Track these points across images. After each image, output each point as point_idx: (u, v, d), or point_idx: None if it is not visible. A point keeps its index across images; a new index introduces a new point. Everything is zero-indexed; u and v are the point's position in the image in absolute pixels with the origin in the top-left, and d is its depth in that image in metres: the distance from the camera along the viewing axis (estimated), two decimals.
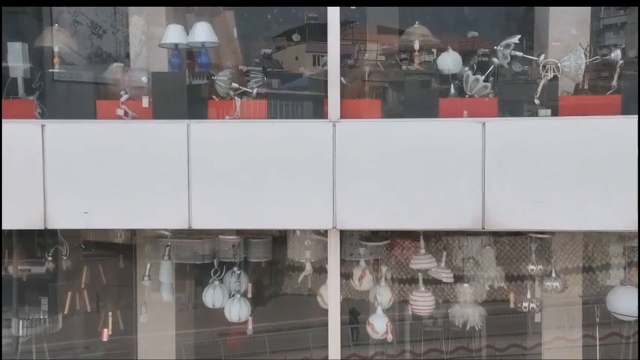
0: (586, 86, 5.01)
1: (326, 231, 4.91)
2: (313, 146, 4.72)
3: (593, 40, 5.52)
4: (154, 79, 5.08)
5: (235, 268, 5.45)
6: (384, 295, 5.42)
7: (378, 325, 5.27)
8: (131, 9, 5.84)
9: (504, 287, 5.64)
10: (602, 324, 5.76)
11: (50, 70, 5.35)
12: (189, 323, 6.29)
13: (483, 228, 4.62)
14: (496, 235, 5.57)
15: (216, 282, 5.43)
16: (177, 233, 5.42)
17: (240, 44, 6.07)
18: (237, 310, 5.36)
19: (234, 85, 5.06)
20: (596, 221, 4.65)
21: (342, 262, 5.16)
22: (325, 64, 4.85)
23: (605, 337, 5.86)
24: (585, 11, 5.50)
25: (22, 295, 5.73)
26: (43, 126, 4.79)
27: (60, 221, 4.88)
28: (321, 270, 5.60)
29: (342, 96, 4.80)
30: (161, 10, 5.67)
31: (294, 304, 6.27)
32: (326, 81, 4.79)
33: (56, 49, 5.38)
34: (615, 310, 5.22)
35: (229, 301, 5.40)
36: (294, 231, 5.57)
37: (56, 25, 5.67)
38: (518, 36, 4.92)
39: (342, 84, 4.84)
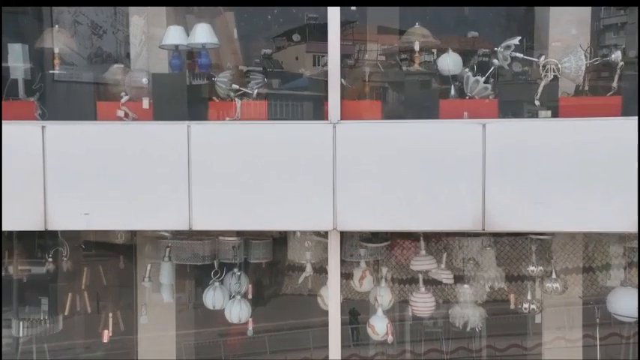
0: (586, 87, 5.01)
1: (326, 232, 4.91)
2: (313, 147, 4.71)
3: (594, 41, 5.52)
4: (155, 81, 5.07)
5: (235, 270, 5.44)
6: (384, 296, 5.41)
7: (379, 326, 5.27)
8: (131, 9, 5.83)
9: (505, 288, 5.64)
10: (602, 324, 5.76)
11: (50, 72, 5.33)
12: (190, 323, 6.29)
13: (483, 229, 4.62)
14: (496, 236, 5.56)
15: (217, 283, 5.42)
16: (178, 234, 5.41)
17: (240, 44, 6.05)
18: (238, 312, 5.35)
19: (235, 86, 5.06)
20: (597, 222, 4.65)
21: (343, 263, 5.16)
22: (325, 64, 4.83)
23: (606, 337, 5.86)
24: (585, 11, 5.50)
25: (23, 296, 5.73)
26: (43, 127, 4.79)
27: (60, 222, 4.87)
28: (321, 271, 5.60)
29: (343, 97, 4.79)
30: (161, 11, 5.66)
31: (295, 305, 6.26)
32: (326, 81, 4.78)
33: (56, 50, 5.36)
34: (615, 312, 5.23)
35: (229, 302, 5.40)
36: (294, 232, 5.57)
37: (56, 26, 5.65)
38: (519, 37, 4.92)
39: (342, 85, 4.83)
